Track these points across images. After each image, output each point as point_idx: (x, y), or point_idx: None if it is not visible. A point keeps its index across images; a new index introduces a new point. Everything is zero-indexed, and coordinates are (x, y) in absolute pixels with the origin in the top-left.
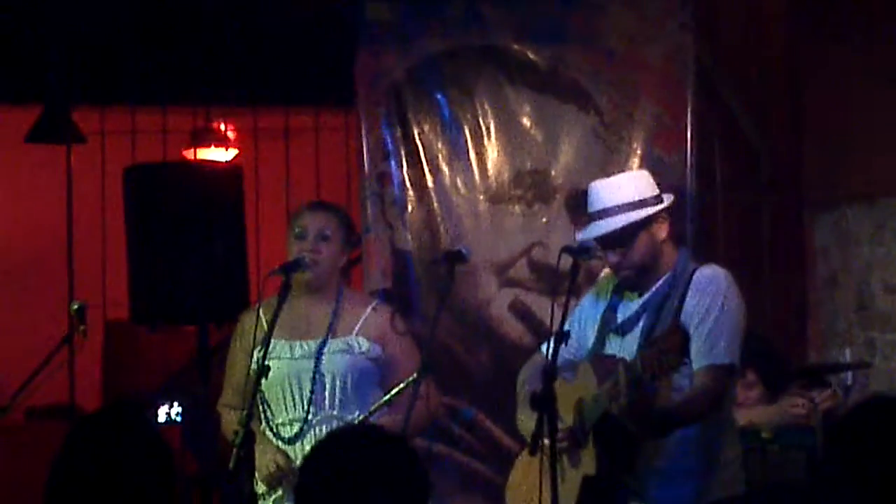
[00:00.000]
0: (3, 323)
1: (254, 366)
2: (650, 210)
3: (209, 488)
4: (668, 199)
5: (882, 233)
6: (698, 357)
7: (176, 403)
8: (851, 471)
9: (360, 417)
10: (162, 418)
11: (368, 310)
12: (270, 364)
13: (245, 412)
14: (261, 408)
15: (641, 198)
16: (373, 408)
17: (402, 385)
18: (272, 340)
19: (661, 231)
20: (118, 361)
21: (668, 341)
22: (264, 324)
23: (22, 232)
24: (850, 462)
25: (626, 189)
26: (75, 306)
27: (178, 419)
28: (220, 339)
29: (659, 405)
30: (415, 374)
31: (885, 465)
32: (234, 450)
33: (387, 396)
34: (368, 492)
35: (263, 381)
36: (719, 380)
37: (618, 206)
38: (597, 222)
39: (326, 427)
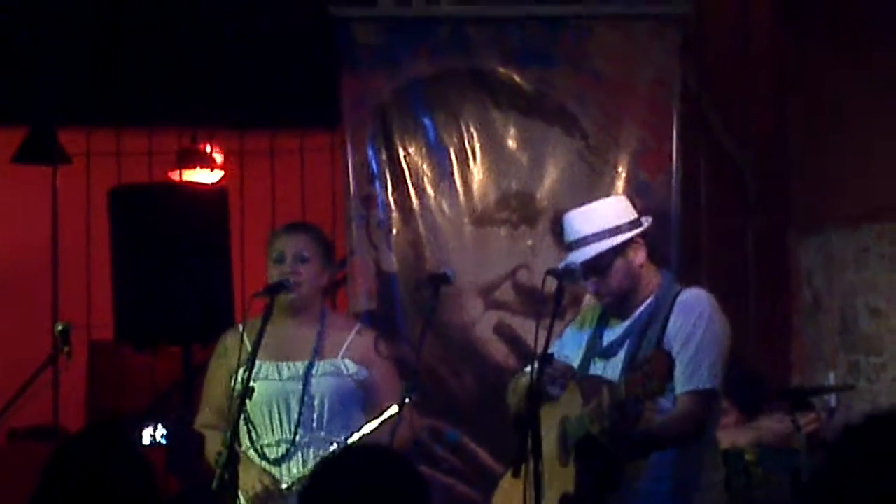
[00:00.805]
0: None
1: (238, 386)
2: (622, 237)
3: None
4: (646, 221)
5: (867, 256)
6: (681, 381)
7: (161, 425)
8: (842, 493)
9: (348, 440)
10: (147, 440)
11: (353, 333)
12: (256, 385)
13: (229, 433)
14: (245, 428)
15: (614, 225)
16: (361, 433)
17: (390, 413)
18: (257, 361)
19: (638, 256)
20: (103, 382)
21: (654, 366)
22: (248, 345)
23: (7, 252)
24: (841, 484)
25: (599, 218)
26: (59, 327)
27: (163, 441)
28: (205, 359)
29: (641, 428)
30: (406, 400)
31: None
32: (218, 470)
33: (375, 423)
34: None
35: (248, 401)
36: (701, 404)
37: (590, 236)
38: (573, 252)
39: (314, 448)
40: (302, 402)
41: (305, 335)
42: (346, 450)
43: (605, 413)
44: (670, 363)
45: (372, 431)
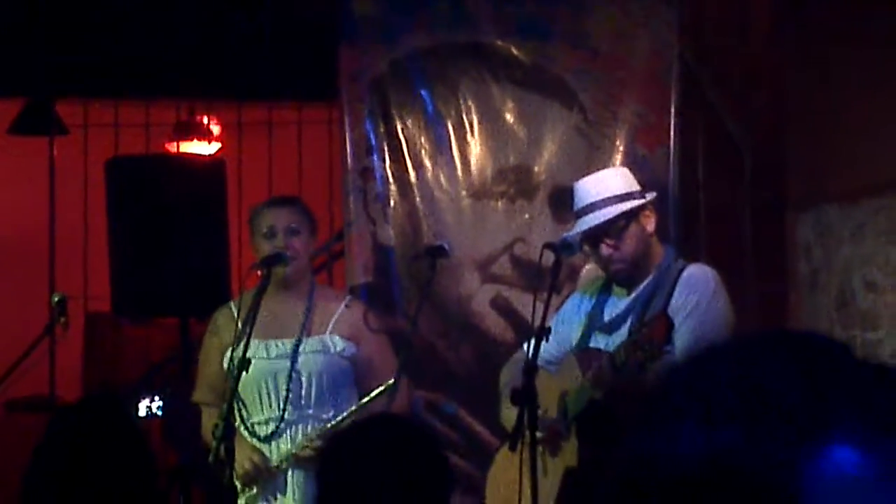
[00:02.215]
0: None
1: (233, 364)
2: (636, 202)
3: (189, 481)
4: (650, 194)
5: (863, 231)
6: (684, 353)
7: (157, 397)
8: None
9: (338, 417)
10: (143, 412)
11: (342, 307)
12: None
13: (225, 406)
14: (236, 406)
15: (626, 191)
16: (353, 409)
17: (381, 389)
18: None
19: (650, 224)
20: (99, 354)
21: (652, 328)
22: (239, 322)
23: (4, 223)
24: None
25: (612, 183)
26: (56, 298)
27: (160, 413)
28: (202, 332)
29: (643, 392)
30: (393, 380)
31: None
32: (215, 443)
33: (366, 399)
34: (394, 483)
35: (244, 374)
36: None
37: (605, 199)
38: (585, 217)
39: (302, 426)
40: (289, 380)
41: (294, 311)
42: (368, 420)
43: (606, 376)
44: (670, 325)
45: (363, 406)
